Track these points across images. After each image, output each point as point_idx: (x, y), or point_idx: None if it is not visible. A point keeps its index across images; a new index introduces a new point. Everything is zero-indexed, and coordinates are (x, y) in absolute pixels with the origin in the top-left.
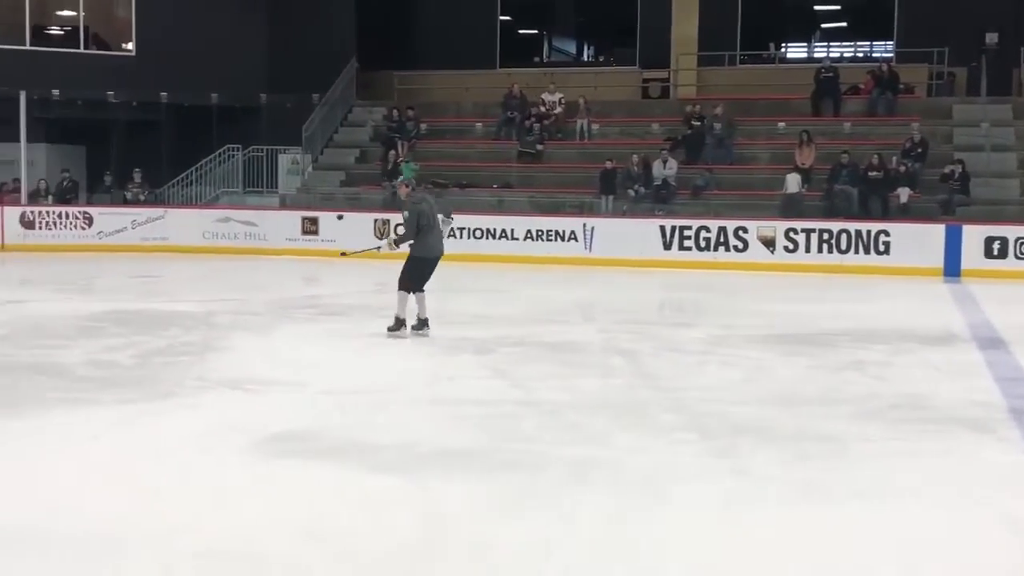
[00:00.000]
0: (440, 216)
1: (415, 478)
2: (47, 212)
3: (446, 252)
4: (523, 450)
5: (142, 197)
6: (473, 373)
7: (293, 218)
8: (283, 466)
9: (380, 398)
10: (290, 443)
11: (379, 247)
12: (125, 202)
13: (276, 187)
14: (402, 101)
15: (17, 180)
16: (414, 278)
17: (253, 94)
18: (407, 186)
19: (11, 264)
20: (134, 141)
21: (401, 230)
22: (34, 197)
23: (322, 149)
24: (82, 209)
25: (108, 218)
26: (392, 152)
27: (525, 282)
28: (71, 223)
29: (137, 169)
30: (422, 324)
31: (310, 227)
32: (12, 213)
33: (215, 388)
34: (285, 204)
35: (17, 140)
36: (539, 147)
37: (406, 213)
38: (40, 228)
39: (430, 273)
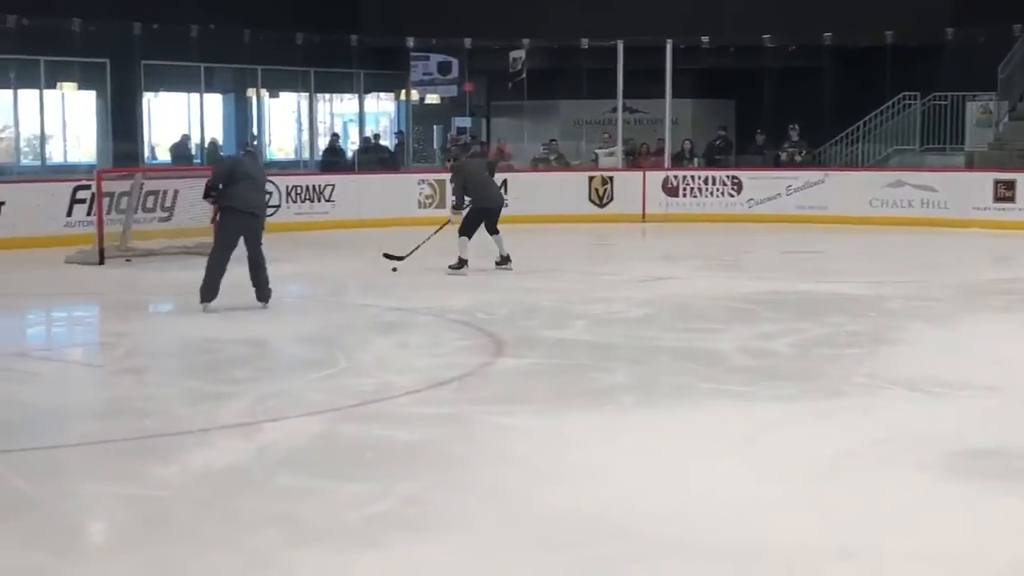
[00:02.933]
0: None
1: None
2: (692, 177)
3: None
4: None
5: (798, 158)
6: None
7: (983, 181)
8: (985, 489)
9: None
10: (989, 461)
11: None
12: (778, 164)
13: (962, 143)
14: None
15: (661, 141)
16: (468, 226)
17: (936, 29)
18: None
19: (652, 236)
20: (790, 92)
21: None
22: (678, 160)
23: (1022, 94)
24: (730, 173)
25: (759, 183)
26: None
27: None
28: (718, 189)
29: (793, 125)
30: (504, 260)
31: (1005, 192)
32: (654, 178)
33: (890, 388)
34: (972, 164)
35: (660, 96)
36: None
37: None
38: (684, 195)
39: (485, 220)
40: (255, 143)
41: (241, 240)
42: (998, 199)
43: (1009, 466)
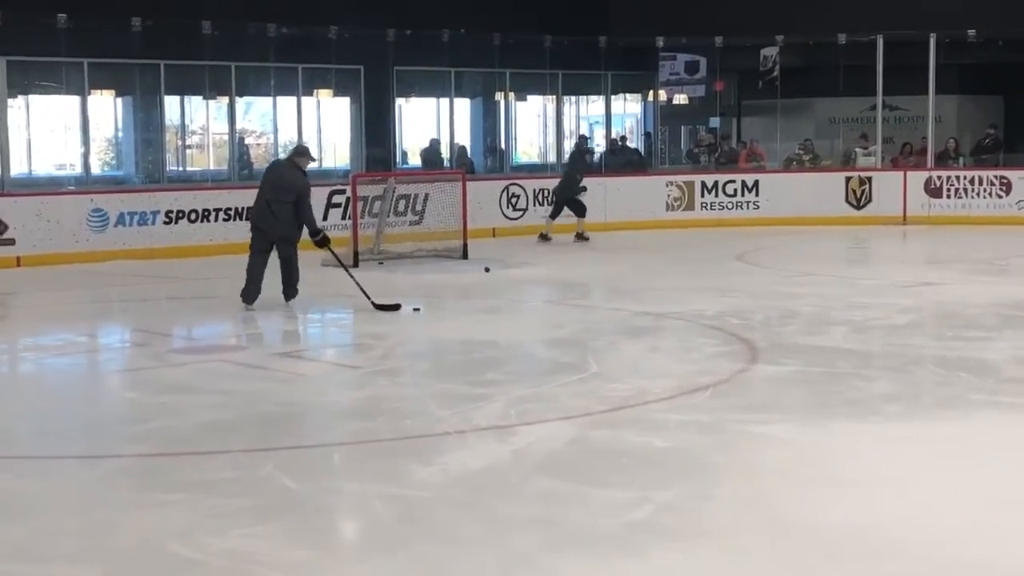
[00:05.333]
0: None
1: None
2: (957, 177)
3: None
4: None
5: None
6: None
7: None
8: None
9: None
10: None
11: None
12: None
13: None
14: None
15: (924, 139)
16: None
17: None
18: None
19: (914, 238)
20: None
21: None
22: (942, 159)
23: None
24: (999, 173)
25: None
26: None
27: None
28: (985, 190)
29: None
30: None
31: None
32: (916, 179)
33: None
34: None
35: (923, 92)
36: None
37: None
38: (948, 196)
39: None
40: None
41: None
42: None
43: None
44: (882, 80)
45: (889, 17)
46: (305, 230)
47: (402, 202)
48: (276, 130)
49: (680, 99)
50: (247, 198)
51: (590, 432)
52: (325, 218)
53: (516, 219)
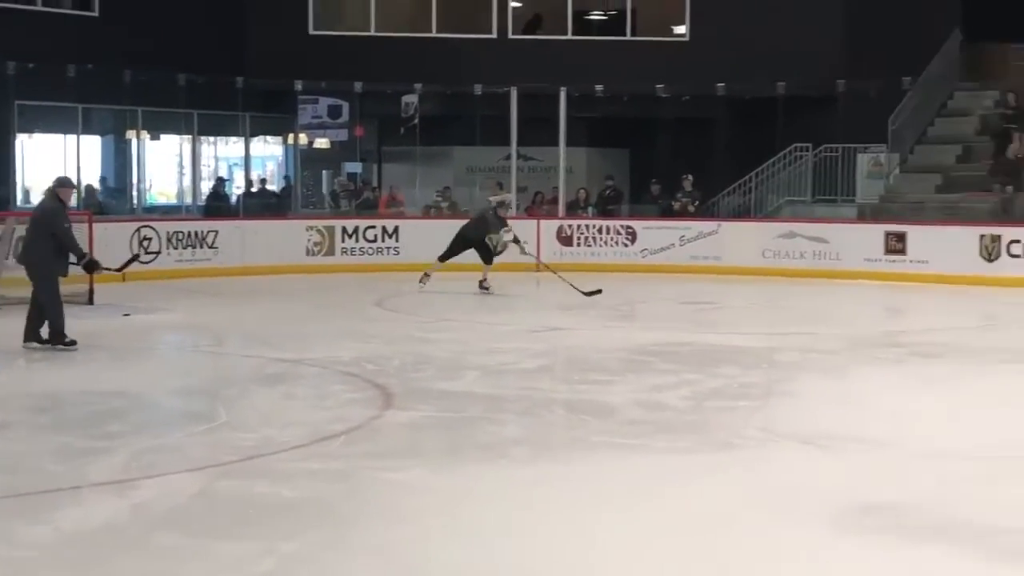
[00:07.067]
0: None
1: None
2: (586, 226)
3: None
4: None
5: (691, 208)
6: None
7: (874, 233)
8: (871, 545)
9: (992, 466)
10: (882, 516)
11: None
12: (672, 214)
13: (853, 195)
14: (1021, 81)
15: (555, 189)
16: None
17: (828, 81)
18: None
19: (548, 285)
20: (683, 141)
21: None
22: (572, 209)
23: (912, 146)
24: (624, 223)
25: (653, 233)
26: (1010, 147)
27: None
28: (612, 239)
29: (686, 175)
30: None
31: (896, 244)
32: (549, 227)
33: (782, 441)
34: (864, 216)
35: (555, 144)
36: None
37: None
38: (578, 244)
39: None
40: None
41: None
42: (889, 251)
43: (900, 521)
44: (516, 131)
45: (523, 71)
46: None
47: (21, 244)
48: None
49: (322, 143)
50: None
51: (217, 483)
52: None
53: (148, 263)
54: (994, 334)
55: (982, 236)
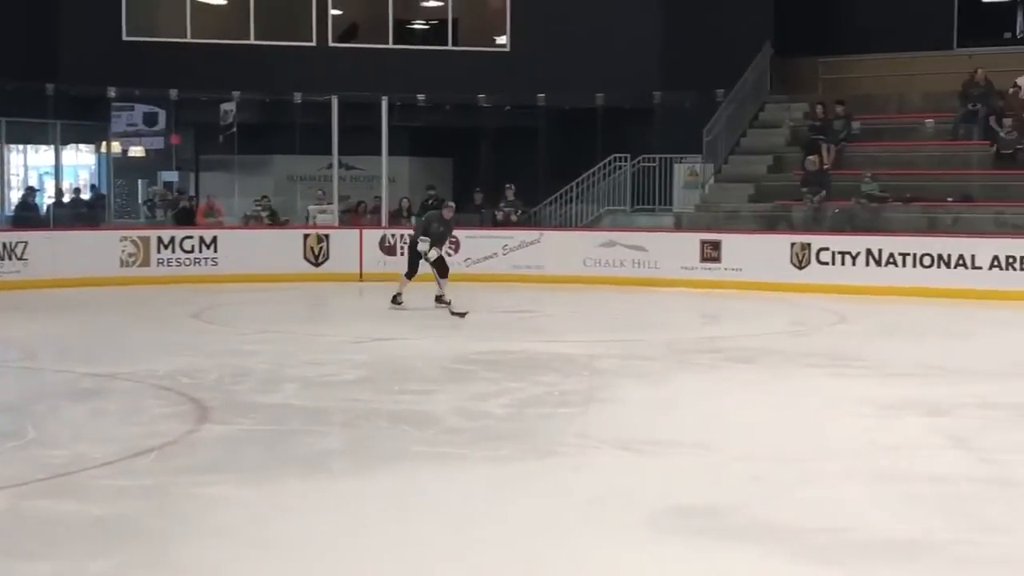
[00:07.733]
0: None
1: (850, 571)
2: (410, 235)
3: None
4: (991, 543)
5: (514, 218)
6: (924, 441)
7: (690, 241)
8: (689, 546)
9: (805, 468)
10: (696, 519)
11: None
12: (495, 223)
13: (670, 204)
14: (829, 94)
15: (377, 198)
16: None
17: (645, 93)
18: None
19: (370, 295)
20: (506, 151)
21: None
22: (395, 218)
23: (727, 157)
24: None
25: (476, 242)
26: (815, 158)
27: (989, 323)
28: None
29: (509, 185)
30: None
31: (711, 252)
32: (372, 236)
33: (601, 447)
34: (680, 225)
35: (377, 153)
36: (1020, 147)
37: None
38: (401, 254)
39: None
40: None
41: None
42: (705, 259)
43: (720, 523)
44: (338, 140)
45: (344, 79)
46: None
47: None
48: None
49: (137, 151)
50: None
51: (23, 503)
52: None
53: None
54: (804, 339)
55: (792, 244)
